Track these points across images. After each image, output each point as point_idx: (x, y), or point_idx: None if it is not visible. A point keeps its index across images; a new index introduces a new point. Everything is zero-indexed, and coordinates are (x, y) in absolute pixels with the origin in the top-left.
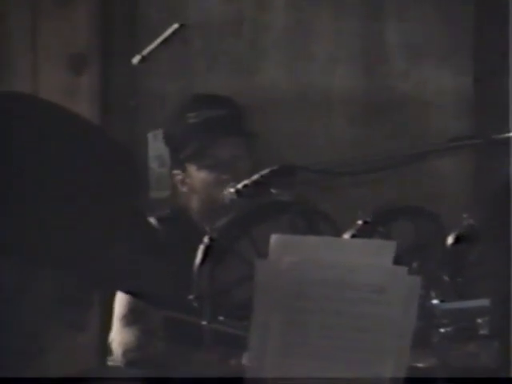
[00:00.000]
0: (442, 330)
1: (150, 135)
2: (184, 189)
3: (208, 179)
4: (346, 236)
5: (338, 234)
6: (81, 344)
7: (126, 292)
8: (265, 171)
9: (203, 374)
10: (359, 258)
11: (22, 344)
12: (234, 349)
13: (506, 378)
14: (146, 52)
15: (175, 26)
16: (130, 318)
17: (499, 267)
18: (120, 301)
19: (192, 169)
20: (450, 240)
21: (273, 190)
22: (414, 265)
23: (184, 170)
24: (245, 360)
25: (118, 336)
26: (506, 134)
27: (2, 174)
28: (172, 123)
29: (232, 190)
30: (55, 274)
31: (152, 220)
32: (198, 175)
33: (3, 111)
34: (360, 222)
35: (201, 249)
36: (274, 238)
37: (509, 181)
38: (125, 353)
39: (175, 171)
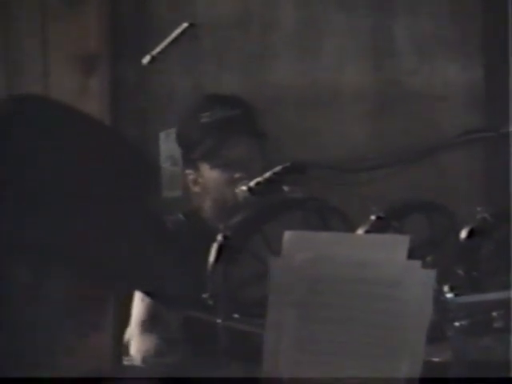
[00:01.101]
0: (456, 324)
1: (161, 135)
2: (196, 189)
3: (220, 179)
4: (360, 231)
5: (351, 229)
6: (96, 344)
7: (142, 291)
8: (277, 168)
9: (219, 374)
10: (373, 253)
11: (35, 344)
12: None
13: (506, 378)
14: (155, 52)
15: (184, 25)
16: (149, 323)
17: None
18: (138, 306)
19: (204, 168)
20: (463, 234)
21: (285, 188)
22: (428, 259)
23: (196, 170)
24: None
25: (137, 342)
26: None
27: (16, 174)
28: (184, 123)
29: (244, 187)
30: (68, 274)
31: (165, 222)
32: (210, 175)
33: (17, 114)
34: (373, 218)
35: (214, 247)
36: (287, 235)
37: None
38: (144, 359)
39: (188, 171)
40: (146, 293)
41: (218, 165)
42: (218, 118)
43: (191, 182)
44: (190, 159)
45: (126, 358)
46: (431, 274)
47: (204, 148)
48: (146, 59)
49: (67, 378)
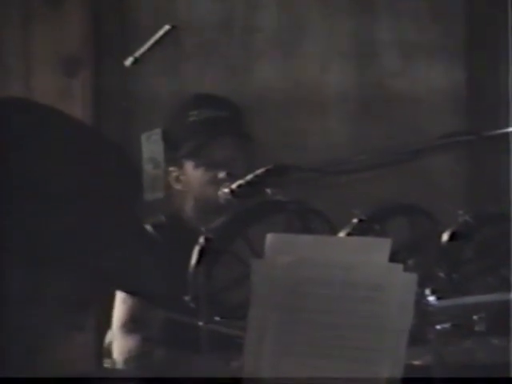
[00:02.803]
0: (438, 327)
1: (143, 137)
2: (178, 186)
3: (203, 178)
4: (342, 234)
5: (333, 232)
6: (79, 344)
7: (126, 291)
8: (259, 171)
9: (201, 375)
10: (355, 256)
11: (25, 344)
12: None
13: (506, 378)
14: (138, 54)
15: (167, 27)
16: (131, 325)
17: (496, 263)
18: (119, 308)
19: (188, 167)
20: (445, 237)
21: (267, 190)
22: (410, 262)
23: (180, 168)
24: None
25: (119, 344)
26: (499, 130)
27: (2, 177)
28: (172, 120)
29: (227, 190)
30: (56, 275)
31: (148, 227)
32: (193, 173)
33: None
34: (355, 221)
35: (196, 249)
36: (269, 238)
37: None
38: (126, 361)
39: (171, 168)
40: (129, 292)
41: (202, 164)
42: (206, 117)
43: (174, 179)
44: (174, 157)
45: (107, 361)
46: (413, 277)
47: (189, 146)
48: (128, 61)
49: (51, 378)
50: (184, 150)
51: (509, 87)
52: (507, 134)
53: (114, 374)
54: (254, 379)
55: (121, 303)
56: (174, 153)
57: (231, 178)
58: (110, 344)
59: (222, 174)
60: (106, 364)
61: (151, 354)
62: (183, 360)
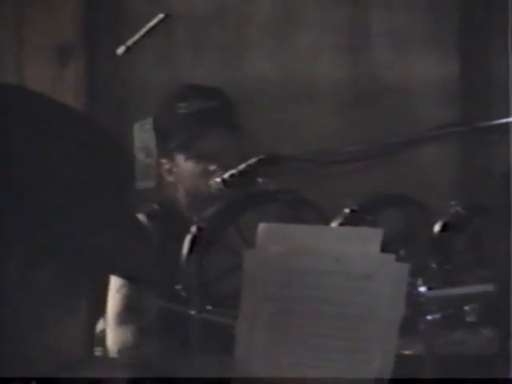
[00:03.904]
0: (429, 318)
1: (136, 126)
2: (170, 178)
3: (195, 169)
4: (334, 224)
5: (325, 222)
6: (70, 331)
7: (121, 276)
8: (251, 161)
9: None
10: (347, 246)
11: (18, 332)
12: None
13: (506, 378)
14: (130, 42)
15: (160, 16)
16: (125, 315)
17: (488, 254)
18: (113, 298)
19: (179, 158)
20: (437, 227)
21: (259, 180)
22: (402, 252)
23: (171, 160)
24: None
25: (113, 334)
26: (492, 122)
27: None
28: (162, 112)
29: (218, 179)
30: (48, 261)
31: (141, 216)
32: (185, 165)
33: None
34: (347, 211)
35: (188, 239)
36: (261, 227)
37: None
38: (120, 351)
39: (163, 160)
40: (123, 278)
41: (193, 156)
42: (196, 109)
43: (166, 171)
44: (165, 148)
45: (98, 349)
46: (405, 267)
47: (180, 138)
48: (121, 50)
49: (64, 378)
50: (175, 143)
51: (509, 79)
52: (499, 125)
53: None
54: (244, 371)
55: (115, 293)
56: (165, 144)
57: (222, 169)
58: (103, 332)
59: (213, 167)
60: (97, 352)
61: (146, 344)
62: (177, 352)
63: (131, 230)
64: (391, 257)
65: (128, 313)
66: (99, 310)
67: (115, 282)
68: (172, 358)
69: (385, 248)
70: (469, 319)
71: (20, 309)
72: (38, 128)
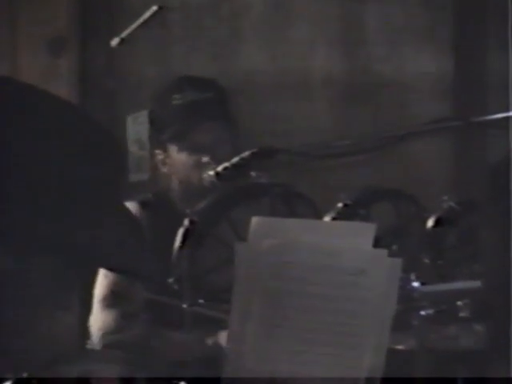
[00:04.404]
0: (422, 313)
1: (129, 118)
2: (164, 169)
3: (188, 161)
4: (327, 218)
5: (318, 216)
6: (64, 324)
7: (110, 269)
8: (245, 154)
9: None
10: (339, 241)
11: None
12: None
13: (506, 378)
14: (124, 34)
15: (154, 8)
16: (111, 300)
17: (481, 249)
18: (101, 282)
19: (173, 150)
20: (430, 222)
21: (253, 173)
22: (395, 247)
23: (165, 151)
24: (221, 339)
25: (98, 318)
26: (486, 116)
27: None
28: (156, 103)
29: (212, 172)
30: (42, 256)
31: (135, 204)
32: (178, 157)
33: None
34: (340, 205)
35: (180, 231)
36: (254, 221)
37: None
38: (104, 335)
39: (157, 151)
40: (115, 270)
41: (187, 147)
42: (190, 100)
43: (159, 162)
44: (159, 140)
45: (89, 342)
46: (397, 262)
47: (173, 130)
48: (114, 41)
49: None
50: (168, 134)
51: (509, 73)
52: (494, 120)
53: (93, 357)
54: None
55: (103, 277)
56: (159, 136)
57: (215, 162)
58: (91, 323)
59: (206, 159)
60: (89, 345)
61: (130, 329)
62: (161, 336)
63: (122, 220)
64: (384, 252)
65: (114, 297)
66: (90, 302)
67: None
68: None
69: (378, 243)
70: (462, 314)
71: (11, 301)
72: (27, 118)
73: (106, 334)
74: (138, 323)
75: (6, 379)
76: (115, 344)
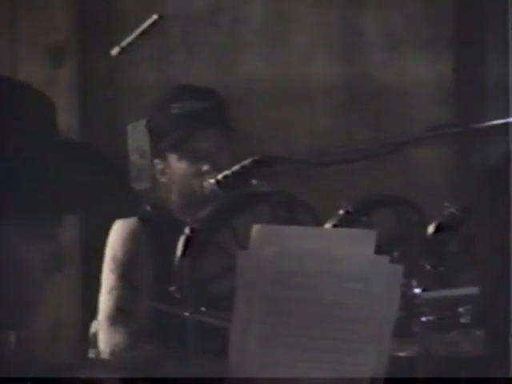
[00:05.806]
0: (423, 319)
1: (129, 127)
2: (163, 179)
3: (188, 170)
4: (328, 225)
5: (319, 223)
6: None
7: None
8: (245, 162)
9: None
10: (341, 248)
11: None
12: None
13: (506, 378)
14: (124, 43)
15: (154, 17)
16: (117, 317)
17: (482, 255)
18: (105, 299)
19: (172, 159)
20: (431, 229)
21: (253, 181)
22: (396, 254)
23: (164, 160)
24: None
25: (105, 336)
26: (486, 123)
27: None
28: (155, 112)
29: (212, 180)
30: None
31: (134, 221)
32: (178, 166)
33: None
34: (341, 212)
35: (182, 240)
36: (255, 229)
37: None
38: (112, 353)
39: (156, 161)
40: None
41: (186, 156)
42: (189, 109)
43: (159, 171)
44: (158, 149)
45: (92, 351)
46: (398, 268)
47: (173, 139)
48: (115, 50)
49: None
50: (168, 143)
51: (508, 79)
52: (494, 126)
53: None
54: (239, 371)
55: (106, 294)
56: (158, 145)
57: (215, 170)
58: (96, 334)
59: (206, 167)
60: (91, 354)
61: (138, 346)
62: (170, 354)
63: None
64: (385, 258)
65: (119, 314)
66: (92, 312)
67: (106, 284)
68: (165, 359)
69: (379, 249)
70: (463, 321)
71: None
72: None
73: (116, 351)
74: (144, 340)
75: (5, 379)
76: (125, 361)
